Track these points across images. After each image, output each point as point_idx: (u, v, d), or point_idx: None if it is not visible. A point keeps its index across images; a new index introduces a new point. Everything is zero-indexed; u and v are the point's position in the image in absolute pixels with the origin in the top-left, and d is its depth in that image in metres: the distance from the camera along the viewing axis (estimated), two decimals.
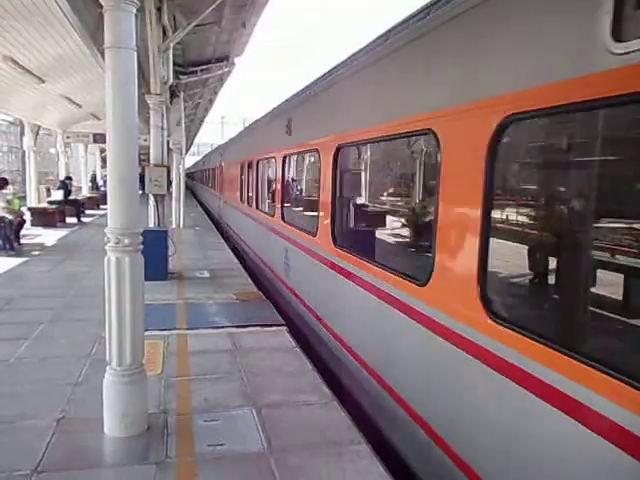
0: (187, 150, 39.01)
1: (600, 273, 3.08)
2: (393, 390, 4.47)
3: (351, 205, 7.18)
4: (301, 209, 9.46)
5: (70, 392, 5.04)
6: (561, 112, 2.79)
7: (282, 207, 9.32)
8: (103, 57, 4.33)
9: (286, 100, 9.86)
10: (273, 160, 10.11)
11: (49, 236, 16.15)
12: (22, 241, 14.23)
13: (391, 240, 6.75)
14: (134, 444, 4.13)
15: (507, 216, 3.65)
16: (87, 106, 18.76)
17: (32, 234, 16.17)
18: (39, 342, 6.48)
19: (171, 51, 11.49)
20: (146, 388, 4.41)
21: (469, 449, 3.42)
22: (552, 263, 3.49)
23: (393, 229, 6.90)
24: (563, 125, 3.18)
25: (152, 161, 11.08)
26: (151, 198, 10.92)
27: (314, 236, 6.98)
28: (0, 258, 12.18)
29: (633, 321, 3.01)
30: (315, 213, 7.03)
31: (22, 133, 27.46)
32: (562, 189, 3.42)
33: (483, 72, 3.41)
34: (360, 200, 7.61)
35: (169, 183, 11.15)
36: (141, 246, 4.22)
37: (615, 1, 2.33)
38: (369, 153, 6.58)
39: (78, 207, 21.03)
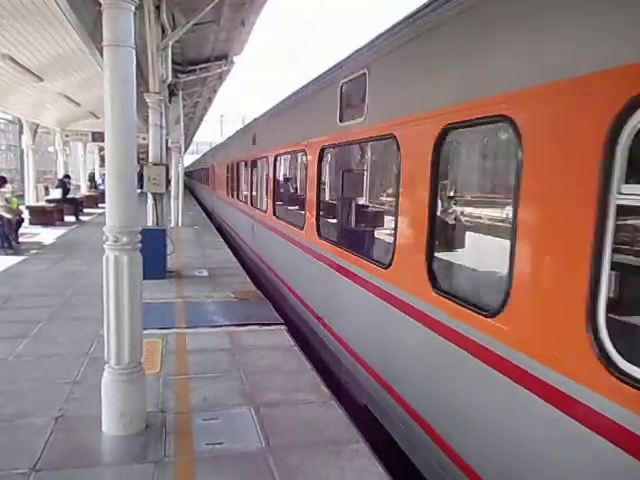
0: (186, 149, 39.00)
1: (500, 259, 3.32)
2: (354, 351, 5.45)
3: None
4: (265, 197, 11.30)
5: (68, 391, 5.04)
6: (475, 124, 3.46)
7: (250, 196, 12.63)
8: (102, 55, 4.32)
9: (253, 119, 13.73)
10: (243, 163, 14.02)
11: (47, 235, 16.13)
12: (20, 240, 14.21)
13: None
14: (132, 443, 4.13)
15: (448, 208, 4.17)
16: (86, 104, 18.72)
17: (30, 232, 16.17)
18: (37, 340, 6.48)
19: (170, 49, 11.47)
20: (144, 387, 4.40)
21: (412, 386, 4.24)
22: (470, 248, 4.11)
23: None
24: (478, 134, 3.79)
25: (151, 160, 11.06)
26: (149, 197, 10.91)
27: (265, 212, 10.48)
28: None
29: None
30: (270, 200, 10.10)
31: (20, 131, 27.38)
32: (483, 185, 3.90)
33: (426, 89, 4.12)
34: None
35: (168, 182, 11.14)
36: (139, 244, 4.22)
37: None
38: (350, 154, 7.37)
39: (76, 206, 21.01)
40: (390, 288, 4.56)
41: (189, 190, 45.09)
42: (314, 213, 6.85)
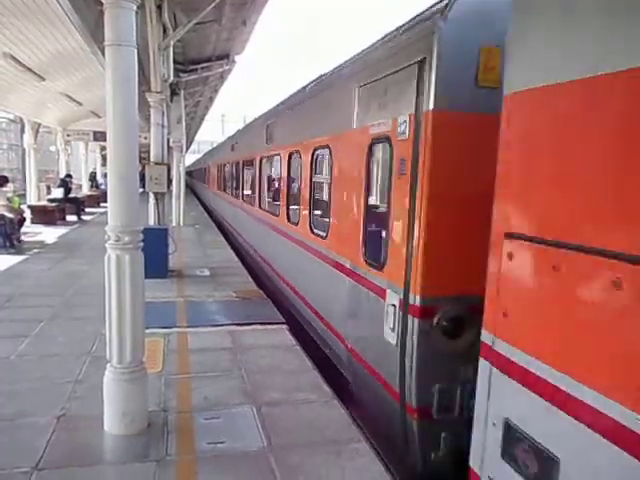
0: (187, 148, 38.96)
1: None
2: (308, 301, 7.08)
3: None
4: (246, 190, 13.88)
5: (70, 390, 5.05)
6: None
7: (233, 189, 16.13)
8: (103, 55, 4.33)
9: (231, 135, 19.05)
10: (227, 164, 17.89)
11: (49, 234, 16.15)
12: (22, 239, 14.23)
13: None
14: (134, 442, 4.14)
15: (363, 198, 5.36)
16: (87, 104, 18.75)
17: (32, 232, 16.18)
18: (39, 340, 6.49)
19: (171, 49, 11.48)
20: (146, 386, 4.41)
21: (336, 315, 5.78)
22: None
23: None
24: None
25: (152, 159, 11.07)
26: (151, 196, 10.93)
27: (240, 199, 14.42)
28: (0, 256, 12.19)
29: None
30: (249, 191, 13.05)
31: (22, 131, 27.41)
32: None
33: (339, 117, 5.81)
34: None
35: (169, 181, 11.15)
36: (141, 244, 4.22)
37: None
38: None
39: (78, 205, 21.02)
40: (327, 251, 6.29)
41: (190, 190, 45.12)
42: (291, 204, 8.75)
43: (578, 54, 2.23)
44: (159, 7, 10.56)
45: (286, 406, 4.85)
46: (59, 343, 6.37)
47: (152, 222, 10.86)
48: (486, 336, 2.71)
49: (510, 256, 2.54)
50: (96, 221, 20.15)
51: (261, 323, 7.30)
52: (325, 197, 6.86)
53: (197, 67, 17.67)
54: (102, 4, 4.02)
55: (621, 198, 2.01)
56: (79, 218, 20.46)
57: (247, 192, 13.33)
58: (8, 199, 13.79)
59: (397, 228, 4.29)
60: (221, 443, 4.16)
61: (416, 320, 3.93)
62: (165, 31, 11.05)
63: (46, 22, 9.19)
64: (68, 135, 24.27)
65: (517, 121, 2.58)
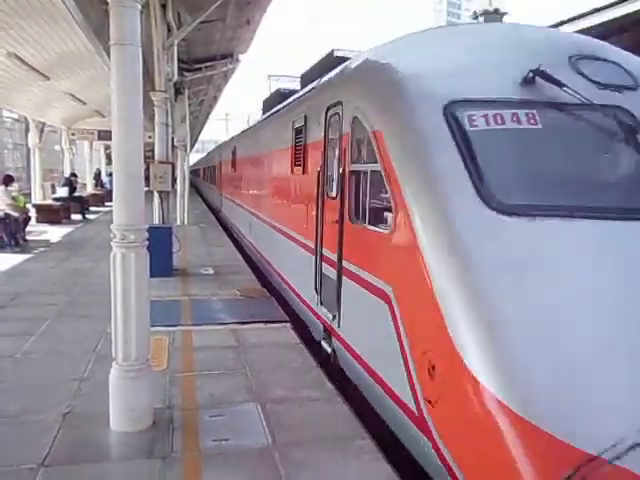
0: (191, 147, 39.05)
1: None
2: (277, 270, 9.32)
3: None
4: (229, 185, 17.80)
5: (76, 387, 5.08)
6: None
7: (222, 184, 20.91)
8: (108, 54, 4.35)
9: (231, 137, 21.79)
10: (218, 165, 22.45)
11: (54, 233, 16.21)
12: (27, 238, 14.29)
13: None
14: (140, 439, 4.16)
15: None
16: (91, 103, 18.81)
17: (37, 231, 16.25)
18: (45, 338, 6.53)
19: (176, 48, 11.53)
20: (152, 383, 4.43)
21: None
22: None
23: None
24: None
25: (157, 158, 11.11)
26: (155, 195, 10.95)
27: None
28: (6, 255, 12.25)
29: None
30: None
31: (27, 130, 27.50)
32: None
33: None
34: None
35: (173, 180, 11.18)
36: (146, 242, 4.24)
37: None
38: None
39: (83, 204, 21.09)
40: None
41: (195, 189, 45.22)
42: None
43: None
44: (163, 6, 10.60)
45: (290, 403, 4.87)
46: (64, 341, 6.41)
47: (156, 221, 10.89)
48: None
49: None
50: (100, 220, 20.22)
51: (265, 321, 7.32)
52: None
53: (201, 66, 17.73)
54: (107, 3, 4.04)
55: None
56: (84, 217, 20.54)
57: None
58: (13, 198, 13.85)
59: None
60: (226, 440, 4.17)
61: None
62: (169, 30, 11.09)
63: (51, 21, 9.22)
64: (73, 134, 24.34)
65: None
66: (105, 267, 4.37)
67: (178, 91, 16.35)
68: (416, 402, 3.61)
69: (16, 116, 36.20)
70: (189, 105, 21.05)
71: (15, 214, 13.39)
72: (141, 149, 4.25)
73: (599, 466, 2.55)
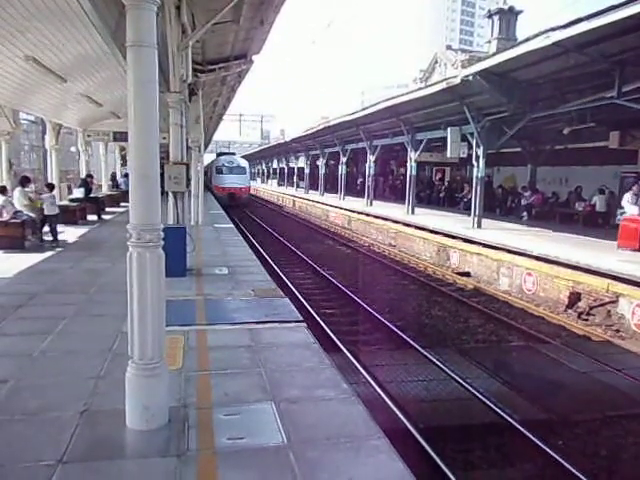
0: (205, 147, 39.31)
1: None
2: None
3: None
4: None
5: (93, 385, 5.13)
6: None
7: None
8: (124, 55, 4.39)
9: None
10: None
11: (70, 233, 16.35)
12: (44, 238, 14.45)
13: None
14: (155, 437, 4.20)
15: None
16: (107, 105, 18.95)
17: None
18: (62, 336, 6.60)
19: (190, 49, 11.57)
20: (167, 382, 4.47)
21: None
22: None
23: None
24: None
25: (171, 159, 11.17)
26: (170, 195, 11.02)
27: None
28: (23, 254, 12.38)
29: None
30: None
31: (44, 132, 27.80)
32: None
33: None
34: None
35: (188, 180, 11.24)
36: (162, 242, 4.28)
37: None
38: None
39: (98, 205, 21.29)
40: None
41: (209, 189, 45.60)
42: None
43: None
44: (178, 8, 10.64)
45: (305, 403, 4.88)
46: (82, 340, 6.47)
47: (171, 221, 10.95)
48: None
49: None
50: (116, 220, 20.39)
51: (279, 321, 7.33)
52: None
53: (215, 67, 17.76)
54: (122, 5, 4.08)
55: None
56: (99, 217, 20.71)
57: None
58: (30, 199, 14.02)
59: None
60: (241, 439, 4.19)
61: None
62: (184, 32, 11.15)
63: (67, 24, 9.31)
64: (88, 136, 24.53)
65: None
66: (121, 267, 4.42)
67: (192, 92, 16.46)
68: None
69: (32, 118, 36.57)
70: (203, 106, 21.15)
71: (32, 214, 13.56)
72: (157, 149, 4.28)
73: None
